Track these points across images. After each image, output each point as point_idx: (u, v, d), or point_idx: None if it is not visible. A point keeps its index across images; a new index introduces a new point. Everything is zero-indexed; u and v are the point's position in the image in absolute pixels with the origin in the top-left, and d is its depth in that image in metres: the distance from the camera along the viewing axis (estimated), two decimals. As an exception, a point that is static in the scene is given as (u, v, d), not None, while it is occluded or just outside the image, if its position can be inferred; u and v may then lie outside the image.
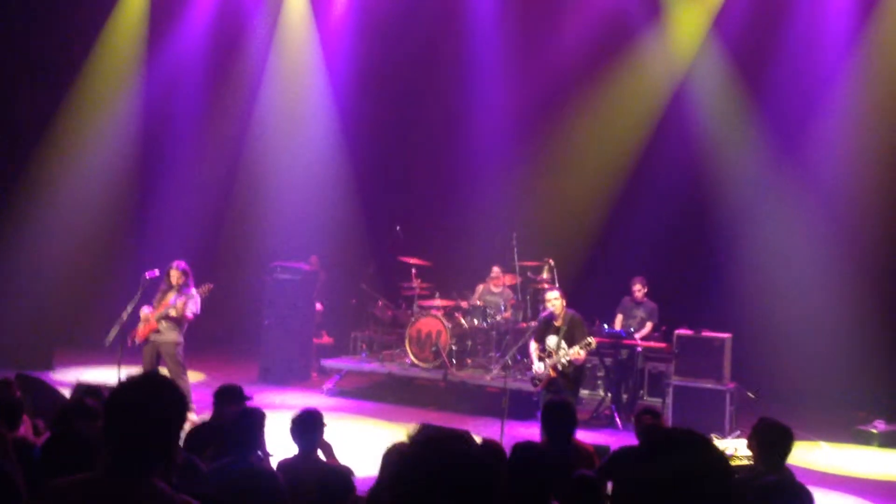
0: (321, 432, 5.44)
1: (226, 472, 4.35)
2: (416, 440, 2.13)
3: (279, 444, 5.87)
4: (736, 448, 7.28)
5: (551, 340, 9.14)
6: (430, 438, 2.13)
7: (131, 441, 2.62)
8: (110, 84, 14.72)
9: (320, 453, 5.53)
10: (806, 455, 9.45)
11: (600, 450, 7.21)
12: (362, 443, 9.01)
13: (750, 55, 13.03)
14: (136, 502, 2.59)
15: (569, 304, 9.39)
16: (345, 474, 5.31)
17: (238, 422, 4.71)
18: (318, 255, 13.99)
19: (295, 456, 5.35)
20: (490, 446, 5.40)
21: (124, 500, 2.58)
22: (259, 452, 5.17)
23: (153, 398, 2.67)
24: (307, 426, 5.35)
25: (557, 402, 6.02)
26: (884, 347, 11.79)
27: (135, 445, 2.62)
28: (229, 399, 6.10)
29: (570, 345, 9.02)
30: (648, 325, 11.56)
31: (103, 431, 2.72)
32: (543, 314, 9.66)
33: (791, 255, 12.52)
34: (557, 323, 9.18)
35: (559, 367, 9.04)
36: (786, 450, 4.87)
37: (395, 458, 2.19)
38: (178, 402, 2.72)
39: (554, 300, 9.25)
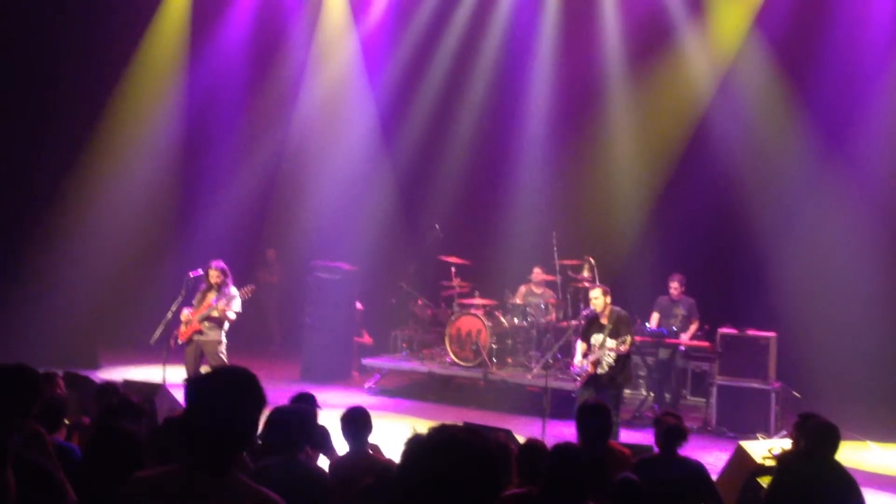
0: (370, 429, 5.47)
1: (273, 470, 4.37)
2: (430, 433, 2.32)
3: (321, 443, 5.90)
4: (782, 448, 7.17)
5: (596, 338, 9.05)
6: (443, 431, 2.30)
7: (213, 437, 2.64)
8: (154, 86, 14.90)
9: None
10: (854, 455, 9.30)
11: (642, 448, 7.17)
12: (403, 441, 9.02)
13: (793, 51, 12.83)
14: (223, 497, 2.61)
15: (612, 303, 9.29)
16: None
17: (288, 420, 4.73)
18: (354, 253, 13.96)
19: (348, 453, 5.43)
20: (499, 447, 5.42)
21: (212, 495, 2.61)
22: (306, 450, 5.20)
23: (234, 394, 2.69)
24: (357, 424, 5.41)
25: (591, 404, 5.97)
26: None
27: (217, 441, 2.64)
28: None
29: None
30: (694, 324, 11.39)
31: (182, 427, 2.73)
32: (585, 312, 9.58)
33: (837, 251, 12.30)
34: (603, 321, 9.10)
35: (602, 365, 8.94)
36: (834, 445, 4.80)
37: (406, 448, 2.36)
38: (257, 396, 2.73)
39: (595, 299, 9.16)
